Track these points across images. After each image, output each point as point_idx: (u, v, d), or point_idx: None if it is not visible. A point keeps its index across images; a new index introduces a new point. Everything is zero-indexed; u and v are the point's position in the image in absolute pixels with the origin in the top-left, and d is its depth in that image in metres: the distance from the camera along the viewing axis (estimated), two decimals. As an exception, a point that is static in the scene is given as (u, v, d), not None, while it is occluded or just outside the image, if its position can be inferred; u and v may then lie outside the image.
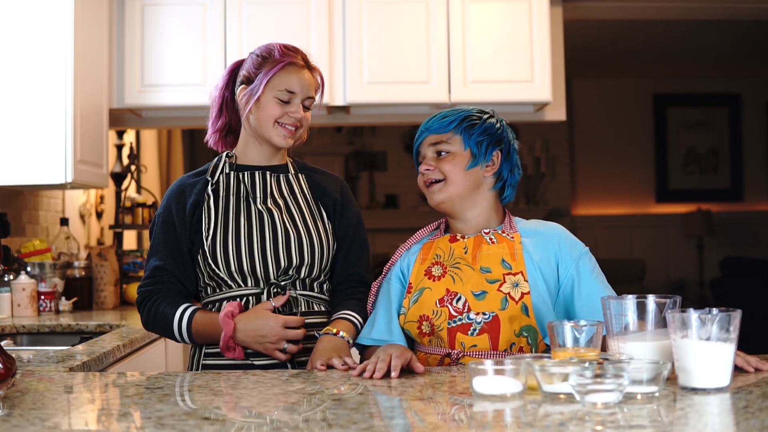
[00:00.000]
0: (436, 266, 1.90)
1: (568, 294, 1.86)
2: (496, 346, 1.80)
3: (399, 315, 1.91)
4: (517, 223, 1.95)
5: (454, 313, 1.82)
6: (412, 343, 1.93)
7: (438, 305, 1.84)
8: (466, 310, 1.82)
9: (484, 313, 1.80)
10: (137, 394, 1.56)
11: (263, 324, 1.87)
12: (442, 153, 1.91)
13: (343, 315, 1.98)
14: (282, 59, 2.00)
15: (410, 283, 1.92)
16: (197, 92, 3.57)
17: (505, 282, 1.82)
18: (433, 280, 1.87)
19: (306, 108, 2.03)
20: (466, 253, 1.88)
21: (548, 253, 1.87)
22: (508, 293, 1.81)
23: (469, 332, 1.81)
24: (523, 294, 1.81)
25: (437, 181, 1.91)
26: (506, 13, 3.64)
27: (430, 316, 1.84)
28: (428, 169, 1.91)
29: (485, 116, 1.95)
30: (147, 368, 2.71)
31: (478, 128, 1.92)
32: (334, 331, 1.91)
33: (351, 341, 1.93)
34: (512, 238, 1.88)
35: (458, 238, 1.92)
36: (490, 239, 1.88)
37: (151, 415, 1.36)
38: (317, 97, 2.07)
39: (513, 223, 1.93)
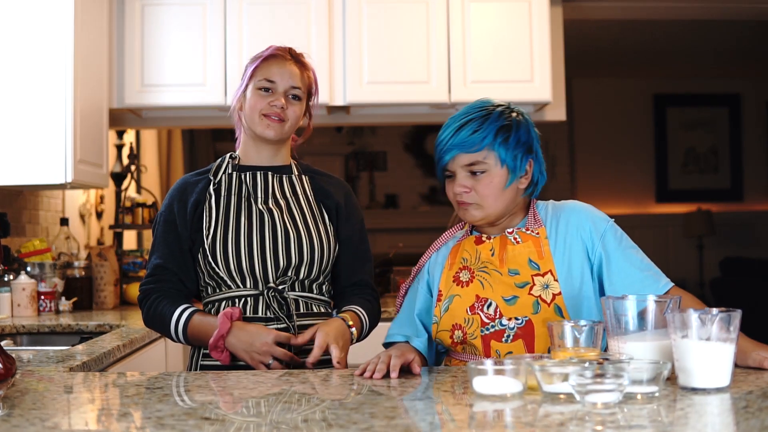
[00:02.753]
0: (463, 271, 1.85)
1: (600, 274, 1.81)
2: (532, 351, 1.76)
3: (432, 324, 1.88)
4: (539, 209, 1.89)
5: (486, 320, 1.78)
6: (441, 355, 1.92)
7: (469, 313, 1.80)
8: (498, 316, 1.77)
9: (516, 318, 1.77)
10: (137, 394, 1.56)
11: (256, 334, 1.87)
12: (479, 172, 1.81)
13: (352, 309, 2.00)
14: (265, 53, 2.03)
15: (440, 291, 1.88)
16: (197, 92, 3.57)
17: (534, 285, 1.78)
18: (462, 286, 1.83)
19: (294, 98, 2.02)
20: (492, 255, 1.83)
21: (573, 238, 1.82)
22: (539, 296, 1.76)
23: (503, 339, 1.77)
24: (554, 295, 1.76)
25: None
26: (506, 13, 3.64)
27: (462, 324, 1.81)
28: (465, 192, 1.81)
29: (513, 118, 1.83)
30: (147, 368, 2.71)
31: (513, 140, 1.81)
32: (350, 323, 1.93)
33: (355, 339, 1.95)
34: (537, 234, 1.83)
35: (483, 239, 1.87)
36: (515, 239, 1.83)
37: (151, 415, 1.36)
38: (313, 102, 2.08)
39: (537, 216, 1.86)
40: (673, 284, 1.80)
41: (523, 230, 1.85)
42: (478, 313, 1.79)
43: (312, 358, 1.83)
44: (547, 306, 1.76)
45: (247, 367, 1.91)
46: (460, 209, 1.85)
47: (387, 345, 1.96)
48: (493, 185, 1.80)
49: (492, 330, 1.78)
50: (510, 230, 1.85)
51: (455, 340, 1.83)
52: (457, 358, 1.86)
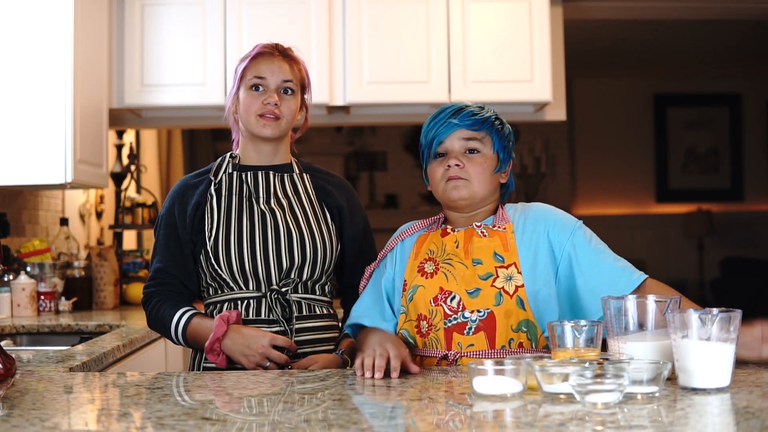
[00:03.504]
0: (428, 262, 1.87)
1: (568, 273, 1.81)
2: (493, 344, 1.77)
3: (400, 314, 1.89)
4: (508, 210, 1.92)
5: (449, 312, 1.80)
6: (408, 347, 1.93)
7: (432, 304, 1.82)
8: (460, 308, 1.79)
9: (478, 311, 1.78)
10: (137, 394, 1.56)
11: (252, 336, 1.86)
12: (474, 151, 1.86)
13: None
14: (252, 52, 2.03)
15: (405, 281, 1.89)
16: (197, 92, 3.57)
17: (498, 276, 1.79)
18: (426, 277, 1.85)
19: (287, 93, 2.01)
20: (457, 247, 1.85)
21: (540, 235, 1.84)
22: (502, 288, 1.78)
23: (465, 331, 1.78)
24: (517, 287, 1.78)
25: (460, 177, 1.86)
26: (506, 13, 3.64)
27: (427, 315, 1.82)
28: (458, 165, 1.84)
29: (500, 117, 1.93)
30: (147, 368, 2.71)
31: (504, 132, 1.91)
32: (349, 369, 1.94)
33: (349, 362, 1.97)
34: (504, 229, 1.86)
35: (449, 231, 1.89)
36: (482, 232, 1.85)
37: (151, 415, 1.36)
38: (308, 95, 2.07)
39: (505, 215, 1.89)
40: (647, 276, 1.81)
41: (490, 226, 1.87)
42: (441, 305, 1.81)
43: (296, 365, 1.87)
44: (509, 297, 1.77)
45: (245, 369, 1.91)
46: (447, 186, 1.86)
47: (353, 326, 1.96)
48: (485, 166, 1.87)
49: (454, 322, 1.79)
50: (478, 224, 1.87)
51: (421, 331, 1.84)
52: (418, 354, 1.85)
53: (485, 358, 1.75)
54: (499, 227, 1.86)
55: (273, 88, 1.99)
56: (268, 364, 1.86)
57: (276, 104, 1.98)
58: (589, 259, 1.81)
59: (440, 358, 1.80)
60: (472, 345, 1.78)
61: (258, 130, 2.00)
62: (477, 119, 1.86)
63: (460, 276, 1.82)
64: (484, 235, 1.85)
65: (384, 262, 1.97)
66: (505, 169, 1.92)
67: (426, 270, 1.86)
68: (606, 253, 1.83)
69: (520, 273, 1.79)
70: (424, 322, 1.83)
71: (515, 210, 1.91)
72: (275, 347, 1.87)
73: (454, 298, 1.80)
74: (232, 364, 1.91)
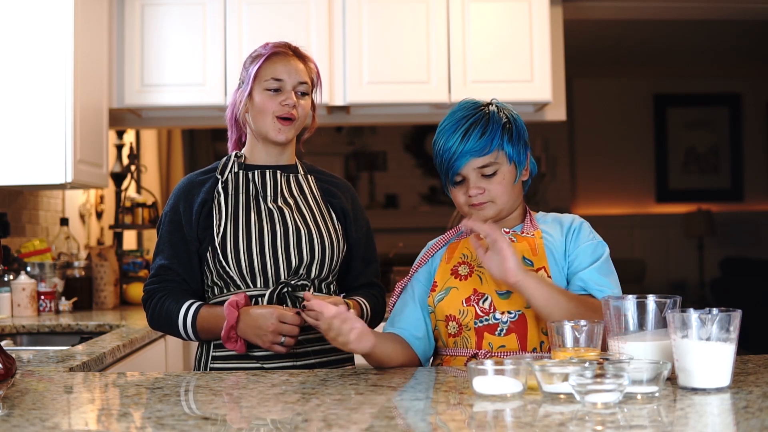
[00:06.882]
0: (462, 266, 1.87)
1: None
2: (524, 345, 1.78)
3: (429, 314, 1.89)
4: (538, 219, 1.92)
5: (480, 313, 1.80)
6: (435, 345, 1.92)
7: (464, 304, 1.82)
8: (492, 310, 1.80)
9: (509, 312, 1.79)
10: (137, 394, 1.56)
11: (261, 317, 1.86)
12: (490, 174, 1.83)
13: (355, 298, 2.02)
14: (266, 51, 2.01)
15: (435, 282, 1.89)
16: (197, 92, 3.57)
17: None
18: (460, 279, 1.85)
19: (302, 94, 2.01)
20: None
21: (561, 244, 1.85)
22: None
23: (497, 332, 1.79)
24: None
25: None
26: (506, 13, 3.64)
27: (457, 315, 1.82)
28: (479, 194, 1.82)
29: (508, 114, 1.87)
30: (147, 368, 2.71)
31: (515, 136, 1.85)
32: (348, 305, 1.92)
33: (349, 306, 1.95)
34: (533, 235, 1.86)
35: (482, 236, 1.85)
36: (510, 239, 1.84)
37: (151, 415, 1.36)
38: (316, 94, 2.07)
39: (534, 221, 1.90)
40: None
41: (519, 233, 1.87)
42: (473, 305, 1.81)
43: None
44: None
45: (257, 367, 1.92)
46: (472, 210, 1.85)
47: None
48: (506, 182, 1.85)
49: (485, 323, 1.80)
50: (506, 230, 1.87)
51: (450, 332, 1.84)
52: (448, 354, 1.85)
53: None
54: (527, 233, 1.87)
55: (290, 89, 1.99)
56: (282, 340, 1.85)
57: (294, 105, 1.98)
58: (579, 263, 1.82)
59: (470, 357, 1.80)
60: (503, 346, 1.78)
61: (273, 135, 2.00)
62: (486, 141, 1.81)
63: (492, 279, 1.81)
64: (513, 241, 1.85)
65: (416, 276, 1.95)
66: (525, 166, 1.90)
67: (460, 273, 1.87)
68: (601, 267, 1.82)
69: (549, 276, 1.80)
70: (453, 323, 1.83)
71: (546, 218, 1.92)
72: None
73: (486, 299, 1.81)
74: (250, 349, 1.92)
